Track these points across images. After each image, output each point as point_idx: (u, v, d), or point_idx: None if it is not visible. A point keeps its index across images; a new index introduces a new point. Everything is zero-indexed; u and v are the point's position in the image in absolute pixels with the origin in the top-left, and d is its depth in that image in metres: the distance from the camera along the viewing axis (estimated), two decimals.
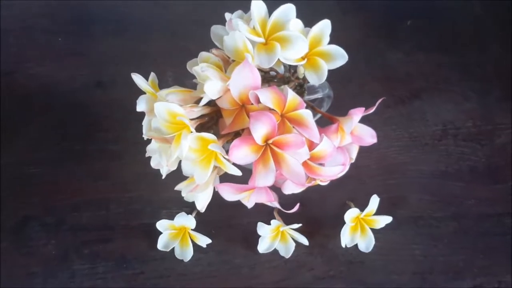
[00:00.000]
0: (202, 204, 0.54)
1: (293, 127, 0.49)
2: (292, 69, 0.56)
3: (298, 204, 0.56)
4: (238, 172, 0.49)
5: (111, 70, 0.74)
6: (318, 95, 0.61)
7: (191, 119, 0.50)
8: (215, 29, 0.56)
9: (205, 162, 0.50)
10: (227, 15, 0.55)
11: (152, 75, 0.54)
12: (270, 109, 0.49)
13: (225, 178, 0.53)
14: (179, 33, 0.77)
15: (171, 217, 0.61)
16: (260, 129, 0.47)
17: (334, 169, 0.52)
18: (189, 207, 0.64)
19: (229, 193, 0.52)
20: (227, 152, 0.47)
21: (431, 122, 0.71)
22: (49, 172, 0.67)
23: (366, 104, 0.68)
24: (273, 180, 0.49)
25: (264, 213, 0.63)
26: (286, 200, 0.57)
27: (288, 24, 0.51)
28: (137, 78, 0.53)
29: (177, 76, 0.53)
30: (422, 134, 0.70)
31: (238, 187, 0.52)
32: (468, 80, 0.74)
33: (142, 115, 0.69)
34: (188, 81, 0.69)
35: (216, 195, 0.56)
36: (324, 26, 0.53)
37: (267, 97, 0.48)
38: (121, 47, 0.75)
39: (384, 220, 0.63)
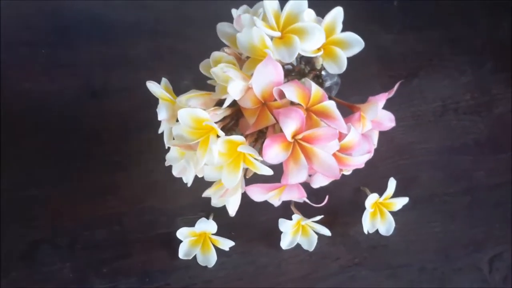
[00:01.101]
0: (233, 208, 0.53)
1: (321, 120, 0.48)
2: (303, 60, 0.55)
3: (327, 197, 0.56)
4: (269, 172, 0.48)
5: (102, 79, 0.71)
6: (327, 84, 0.60)
7: (215, 123, 0.48)
8: (222, 26, 0.54)
9: (234, 165, 0.48)
10: (234, 11, 0.53)
11: (165, 80, 0.52)
12: (292, 104, 0.48)
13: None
14: (165, 33, 0.74)
15: (187, 224, 0.60)
16: (290, 126, 0.46)
17: (362, 158, 0.52)
18: (205, 211, 0.63)
19: (259, 193, 0.51)
20: None
21: (431, 99, 0.71)
22: (52, 192, 0.64)
23: (366, 87, 0.69)
24: (306, 176, 0.48)
25: (280, 208, 0.62)
26: None
27: (301, 15, 0.50)
28: (153, 86, 0.50)
29: (171, 78, 0.51)
30: (424, 112, 0.71)
31: (268, 187, 0.51)
32: (460, 54, 0.75)
33: (141, 122, 0.67)
34: (183, 83, 0.68)
35: None
36: (336, 14, 0.52)
37: (292, 91, 0.47)
38: (108, 54, 0.72)
39: (401, 202, 0.63)
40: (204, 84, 0.53)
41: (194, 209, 0.63)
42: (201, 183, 0.59)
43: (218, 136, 0.47)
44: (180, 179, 0.64)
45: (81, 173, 0.66)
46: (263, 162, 0.48)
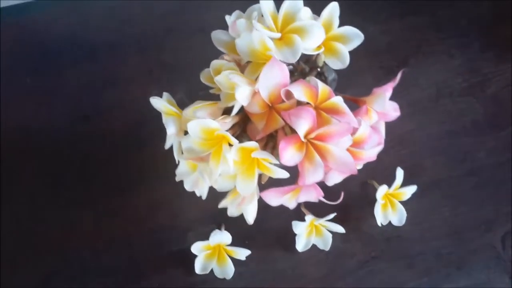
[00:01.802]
0: (252, 216, 0.52)
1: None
2: (301, 60, 0.54)
3: (342, 193, 0.55)
4: (286, 174, 0.47)
5: (92, 100, 0.69)
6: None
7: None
8: (216, 34, 0.54)
9: (248, 172, 0.48)
10: (228, 18, 0.53)
11: (166, 95, 0.51)
12: (299, 104, 0.48)
13: None
14: (151, 47, 0.73)
15: (199, 237, 0.58)
16: (303, 125, 0.45)
17: (374, 150, 0.52)
18: (215, 223, 0.61)
19: (275, 198, 0.51)
20: None
21: (424, 85, 0.72)
22: (56, 222, 0.63)
23: (359, 81, 0.68)
24: (322, 175, 0.47)
25: (290, 211, 0.62)
26: None
27: (298, 15, 0.49)
28: (157, 102, 0.49)
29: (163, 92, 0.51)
30: (420, 99, 0.71)
31: (284, 190, 0.50)
32: (447, 38, 0.75)
33: (138, 140, 0.66)
34: (177, 96, 0.67)
35: None
36: (332, 9, 0.52)
37: (300, 91, 0.47)
38: (96, 75, 0.70)
39: (410, 190, 0.63)
40: (197, 95, 0.52)
41: (204, 222, 0.62)
42: (207, 196, 0.59)
43: (230, 145, 0.46)
44: (185, 194, 0.63)
45: (83, 198, 0.64)
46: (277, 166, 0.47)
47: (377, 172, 0.65)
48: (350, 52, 0.53)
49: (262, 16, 0.50)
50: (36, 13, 0.75)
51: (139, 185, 0.64)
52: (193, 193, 0.62)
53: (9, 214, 0.63)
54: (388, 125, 0.65)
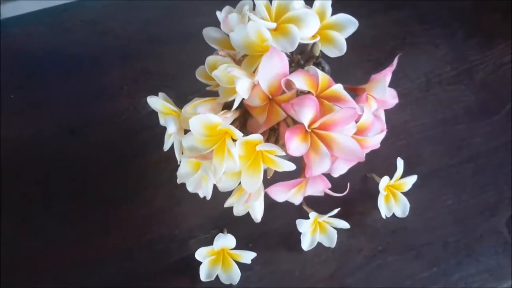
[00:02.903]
0: (259, 214, 0.50)
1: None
2: (296, 52, 0.53)
3: (348, 184, 0.54)
4: (292, 166, 0.46)
5: (79, 114, 0.67)
6: None
7: None
8: (208, 32, 0.53)
9: (253, 167, 0.46)
10: (219, 14, 0.52)
11: (162, 95, 0.49)
12: (299, 94, 0.47)
13: None
14: (135, 56, 0.71)
15: (201, 245, 0.57)
16: (306, 114, 0.44)
17: (378, 137, 0.51)
18: (216, 228, 0.60)
19: (281, 193, 0.49)
20: None
21: (414, 76, 0.72)
22: (50, 240, 0.60)
23: (348, 75, 0.68)
24: (329, 164, 0.46)
25: (292, 211, 0.61)
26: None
27: (292, 4, 0.49)
28: (154, 102, 0.48)
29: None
30: (410, 90, 0.71)
31: (289, 184, 0.49)
32: (430, 28, 0.76)
33: (129, 151, 0.64)
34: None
35: None
36: None
37: (301, 80, 0.46)
38: (80, 87, 0.68)
39: (411, 181, 0.62)
40: (186, 100, 0.51)
41: (204, 229, 0.61)
42: (206, 201, 0.57)
43: (233, 140, 0.45)
44: (183, 201, 0.62)
45: (78, 213, 0.61)
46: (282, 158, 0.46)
47: (376, 165, 0.64)
48: None
49: (254, 9, 0.49)
50: (16, 30, 0.73)
51: (134, 196, 0.62)
52: (190, 200, 0.61)
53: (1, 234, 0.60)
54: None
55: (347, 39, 0.51)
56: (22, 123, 0.66)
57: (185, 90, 0.50)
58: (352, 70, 0.70)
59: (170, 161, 0.53)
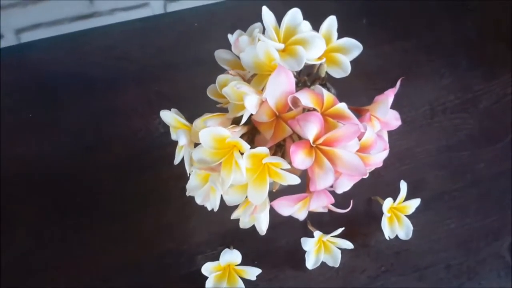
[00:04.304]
0: (264, 226, 0.52)
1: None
2: (304, 74, 0.56)
3: (351, 201, 0.56)
4: (297, 180, 0.48)
5: (94, 132, 0.70)
6: None
7: None
8: (219, 53, 0.55)
9: (260, 180, 0.48)
10: (230, 37, 0.54)
11: (175, 110, 0.52)
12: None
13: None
14: (150, 79, 0.74)
15: (208, 260, 0.58)
16: (312, 129, 0.46)
17: (380, 155, 0.53)
18: (223, 245, 0.61)
19: (287, 206, 0.51)
20: None
21: (418, 104, 0.74)
22: (62, 251, 0.62)
23: (354, 102, 0.70)
24: (333, 179, 0.48)
25: (297, 230, 0.62)
26: (311, 212, 0.55)
27: (299, 27, 0.51)
28: (166, 116, 0.50)
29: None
30: (415, 117, 0.72)
31: (294, 198, 0.50)
32: (435, 59, 0.78)
33: (140, 168, 0.67)
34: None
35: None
36: (331, 23, 0.53)
37: (307, 98, 0.48)
38: (96, 107, 0.71)
39: (414, 204, 0.64)
40: None
41: (212, 245, 0.62)
42: (214, 218, 0.59)
43: (241, 153, 0.47)
44: (192, 217, 0.63)
45: (89, 227, 0.64)
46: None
47: (380, 188, 0.66)
48: (344, 77, 0.55)
49: (264, 33, 0.52)
50: (36, 53, 0.76)
51: (144, 211, 0.64)
52: (199, 217, 0.63)
53: (13, 247, 0.62)
54: (388, 143, 0.66)
55: (353, 68, 0.54)
56: (40, 141, 0.69)
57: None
58: (357, 97, 0.71)
59: (180, 179, 0.55)
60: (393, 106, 0.61)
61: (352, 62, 0.74)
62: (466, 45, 0.80)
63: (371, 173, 0.64)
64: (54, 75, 0.74)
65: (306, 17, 0.52)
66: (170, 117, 0.50)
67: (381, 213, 0.62)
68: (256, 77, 0.51)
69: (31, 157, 0.67)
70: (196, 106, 0.52)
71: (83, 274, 0.60)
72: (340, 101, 0.51)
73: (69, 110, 0.71)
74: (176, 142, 0.51)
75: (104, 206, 0.65)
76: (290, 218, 0.54)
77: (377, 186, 0.66)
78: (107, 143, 0.69)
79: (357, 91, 0.73)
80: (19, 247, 0.62)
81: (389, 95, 0.53)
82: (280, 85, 0.48)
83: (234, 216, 0.53)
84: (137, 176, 0.66)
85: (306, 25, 0.52)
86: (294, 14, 0.51)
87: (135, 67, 0.75)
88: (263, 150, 0.47)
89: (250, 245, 0.61)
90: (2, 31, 0.76)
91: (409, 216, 0.63)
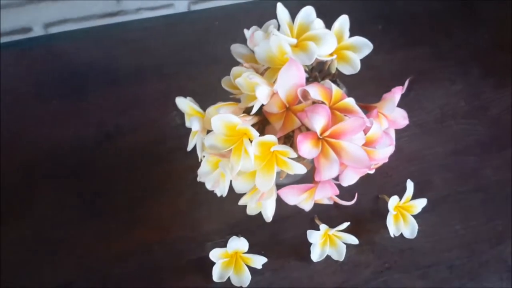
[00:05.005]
0: (270, 213, 0.54)
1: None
2: (315, 70, 0.58)
3: (356, 194, 0.57)
4: (304, 170, 0.50)
5: (115, 121, 0.73)
6: None
7: None
8: (235, 48, 0.58)
9: (267, 168, 0.50)
10: (246, 32, 0.57)
11: (190, 98, 0.54)
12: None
13: None
14: (171, 74, 0.77)
15: (217, 247, 0.60)
16: (319, 121, 0.48)
17: (386, 150, 0.54)
18: (232, 235, 0.63)
19: (293, 195, 0.53)
20: None
21: (429, 108, 0.75)
22: (78, 232, 0.65)
23: (369, 103, 0.72)
24: (338, 170, 0.50)
25: (304, 223, 0.64)
26: (319, 207, 0.58)
27: (312, 24, 0.53)
28: (181, 102, 0.53)
29: (182, 114, 0.54)
30: (425, 121, 0.74)
31: (301, 188, 0.52)
32: (447, 66, 0.80)
33: (157, 157, 0.69)
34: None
35: (256, 216, 0.57)
36: (343, 22, 0.56)
37: (316, 91, 0.50)
38: (117, 98, 0.75)
39: (421, 204, 0.65)
40: None
41: (221, 234, 0.64)
42: (224, 207, 0.61)
43: (251, 141, 0.49)
44: (203, 206, 0.65)
45: (105, 211, 0.66)
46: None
47: (388, 188, 0.67)
48: (357, 79, 0.57)
49: (278, 30, 0.54)
50: (64, 44, 0.80)
51: (158, 199, 0.67)
52: (210, 206, 0.65)
53: (34, 222, 0.65)
54: (396, 145, 0.68)
55: (368, 71, 0.56)
56: (63, 126, 0.72)
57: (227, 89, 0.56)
58: (370, 100, 0.74)
59: (193, 170, 0.57)
60: (405, 108, 0.63)
61: (367, 66, 0.77)
62: (478, 54, 0.81)
63: (380, 172, 0.66)
64: (79, 66, 0.78)
65: (323, 18, 0.54)
66: (185, 104, 0.53)
67: (388, 212, 0.63)
68: (269, 70, 0.53)
69: (53, 141, 0.71)
70: (212, 101, 0.54)
71: (95, 252, 0.63)
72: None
73: (92, 99, 0.74)
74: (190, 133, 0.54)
75: (120, 192, 0.68)
76: (298, 212, 0.56)
77: (385, 185, 0.68)
78: (126, 132, 0.72)
79: (370, 94, 0.75)
80: (36, 225, 0.65)
81: (396, 93, 0.54)
82: (291, 78, 0.50)
83: (241, 202, 0.55)
84: (152, 165, 0.69)
85: (319, 23, 0.54)
86: (308, 12, 0.54)
87: (156, 62, 0.79)
88: (271, 138, 0.49)
89: (258, 236, 0.63)
90: (31, 24, 0.79)
91: (415, 216, 0.65)
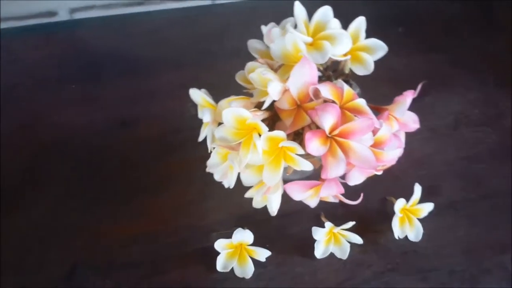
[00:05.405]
0: (275, 207, 0.55)
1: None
2: (330, 69, 0.59)
3: (362, 194, 0.58)
4: (310, 167, 0.50)
5: (130, 109, 0.74)
6: None
7: None
8: (252, 43, 0.59)
9: (275, 163, 0.51)
10: (263, 28, 0.58)
11: (204, 90, 0.55)
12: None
13: None
14: (188, 65, 0.79)
15: (222, 238, 0.61)
16: (328, 119, 0.49)
17: (394, 152, 0.55)
18: (238, 226, 0.64)
19: (298, 191, 0.54)
20: None
21: (443, 114, 0.76)
22: (87, 216, 0.66)
23: (381, 105, 0.72)
24: (344, 169, 0.50)
25: (309, 220, 0.65)
26: (326, 205, 0.59)
27: (329, 24, 0.54)
28: (195, 94, 0.54)
29: (197, 106, 0.55)
30: (438, 126, 0.74)
31: (307, 184, 0.53)
32: (464, 73, 0.80)
33: (170, 147, 0.70)
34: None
35: (263, 210, 0.58)
36: (360, 23, 0.56)
37: (327, 90, 0.51)
38: (135, 86, 0.76)
39: (427, 208, 0.65)
40: None
41: (227, 225, 0.65)
42: (232, 199, 0.62)
43: (260, 136, 0.50)
44: (211, 197, 0.67)
45: (115, 197, 0.68)
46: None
47: (396, 191, 0.68)
48: (374, 80, 0.57)
49: (295, 28, 0.55)
50: (85, 30, 0.82)
51: (167, 187, 0.68)
52: (217, 198, 0.66)
53: (42, 205, 0.67)
54: (407, 148, 0.68)
55: (384, 73, 0.56)
56: (79, 111, 0.74)
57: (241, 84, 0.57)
58: (384, 102, 0.75)
59: (203, 161, 0.58)
60: (418, 112, 0.64)
61: (384, 68, 0.77)
62: (495, 63, 0.81)
63: (389, 174, 0.66)
64: (99, 52, 0.80)
65: (343, 18, 0.55)
66: (198, 95, 0.54)
67: (394, 213, 0.64)
68: (283, 67, 0.54)
69: (68, 126, 0.72)
70: (228, 94, 0.56)
71: (101, 237, 0.65)
72: (367, 103, 0.54)
73: (110, 86, 0.76)
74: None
75: (129, 179, 0.69)
76: (304, 209, 0.57)
77: (393, 188, 0.69)
78: (141, 120, 0.73)
79: (385, 96, 0.76)
80: (46, 207, 0.67)
81: (408, 96, 0.55)
82: (303, 75, 0.51)
83: (247, 195, 0.56)
84: (164, 154, 0.70)
85: (335, 23, 0.55)
86: (325, 11, 0.54)
87: (175, 52, 0.80)
88: (280, 134, 0.50)
89: (264, 229, 0.64)
90: (57, 8, 0.81)
91: (420, 220, 0.65)
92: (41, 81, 0.76)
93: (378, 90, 0.75)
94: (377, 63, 0.56)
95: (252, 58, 0.58)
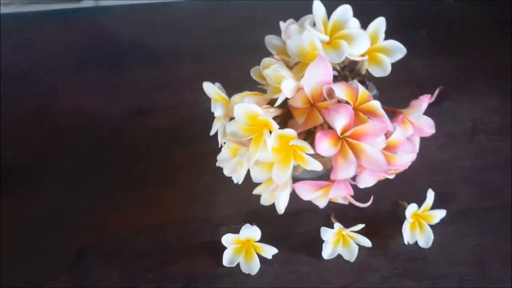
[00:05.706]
0: (282, 205, 0.54)
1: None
2: (347, 69, 0.58)
3: (371, 197, 0.57)
4: (319, 167, 0.50)
5: (147, 98, 0.75)
6: None
7: None
8: (269, 39, 0.58)
9: (284, 161, 0.51)
10: (282, 24, 0.57)
11: (218, 84, 0.55)
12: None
13: None
14: (207, 57, 0.79)
15: (230, 232, 0.61)
16: (340, 120, 0.48)
17: (407, 157, 0.54)
18: (246, 222, 0.64)
19: (307, 191, 0.53)
20: None
21: (462, 120, 0.74)
22: (97, 203, 0.67)
23: (399, 107, 0.71)
24: (354, 171, 0.50)
25: (319, 220, 0.64)
26: (336, 206, 0.59)
27: (347, 23, 0.53)
28: (208, 87, 0.54)
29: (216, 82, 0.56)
30: (456, 132, 0.73)
31: (316, 184, 0.53)
32: (486, 79, 0.79)
33: (184, 138, 0.71)
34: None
35: (272, 207, 0.57)
36: (379, 24, 0.55)
37: (342, 90, 0.50)
38: (154, 75, 0.76)
39: (439, 215, 0.64)
40: None
41: (236, 219, 0.65)
42: (241, 195, 0.62)
43: (271, 133, 0.50)
44: (221, 191, 0.66)
45: (126, 185, 0.68)
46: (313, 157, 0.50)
47: (409, 196, 0.67)
48: (392, 82, 0.56)
49: (314, 26, 0.54)
50: (107, 17, 0.82)
51: (178, 179, 0.68)
52: (227, 192, 0.66)
53: (54, 191, 0.67)
54: (423, 153, 0.67)
55: (405, 75, 0.56)
56: (97, 98, 0.74)
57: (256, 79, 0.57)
58: (403, 104, 0.73)
59: (215, 155, 0.58)
60: (437, 118, 0.63)
61: (404, 70, 0.76)
62: None
63: (402, 179, 0.65)
64: (120, 40, 0.80)
65: (370, 18, 0.54)
66: (211, 89, 0.54)
67: (405, 218, 0.63)
68: (298, 65, 0.54)
69: (84, 111, 0.73)
70: (245, 89, 0.55)
71: (111, 226, 0.65)
72: (385, 104, 0.53)
73: (128, 74, 0.77)
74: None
75: (141, 169, 0.69)
76: (314, 209, 0.56)
77: (406, 192, 0.68)
78: (156, 110, 0.73)
79: (404, 98, 0.74)
80: (56, 191, 0.68)
81: (424, 101, 0.54)
82: (318, 74, 0.50)
83: (256, 191, 0.55)
84: (176, 145, 0.71)
85: (354, 22, 0.54)
86: (345, 10, 0.54)
87: (196, 44, 0.80)
88: (290, 132, 0.49)
89: (272, 227, 0.64)
90: None
91: (432, 226, 0.64)
92: (61, 66, 0.77)
93: (397, 92, 0.74)
94: (397, 65, 0.55)
95: (271, 54, 0.58)
